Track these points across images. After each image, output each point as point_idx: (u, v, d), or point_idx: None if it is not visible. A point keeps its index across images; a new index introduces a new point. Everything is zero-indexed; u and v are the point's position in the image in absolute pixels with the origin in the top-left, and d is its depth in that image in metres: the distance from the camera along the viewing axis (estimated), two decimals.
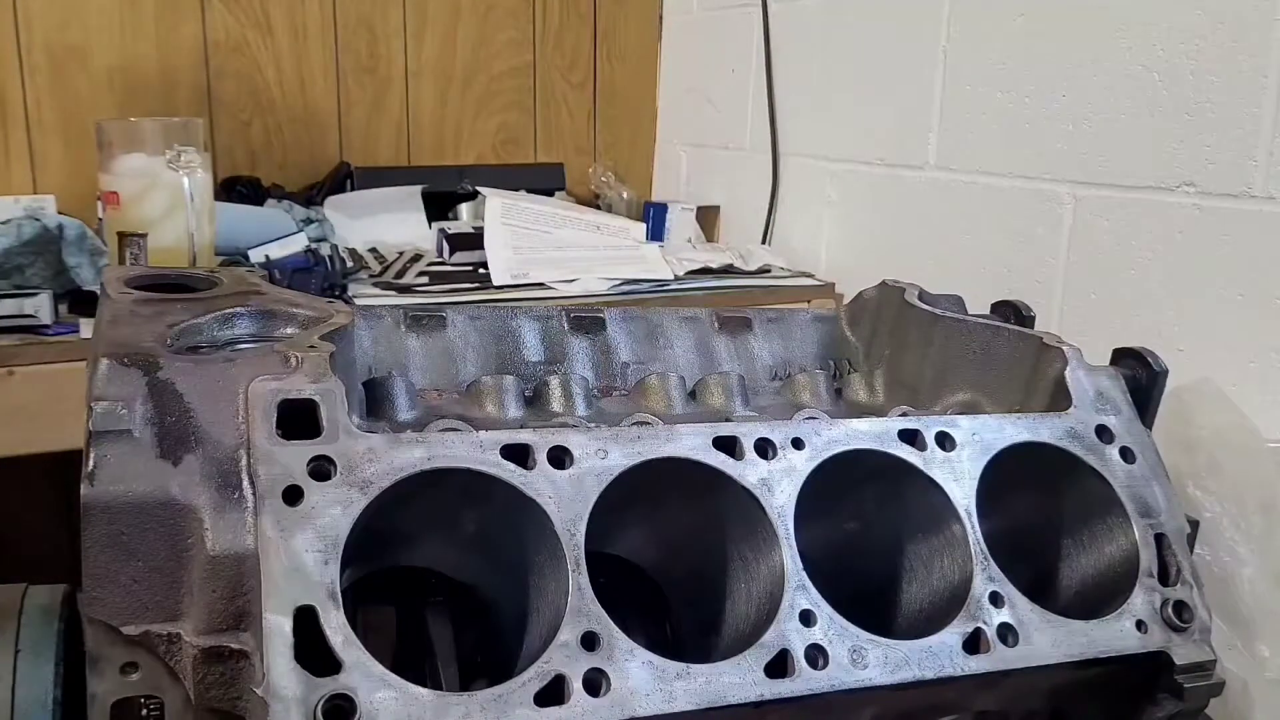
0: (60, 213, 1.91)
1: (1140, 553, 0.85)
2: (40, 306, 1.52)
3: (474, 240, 2.02)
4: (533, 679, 0.66)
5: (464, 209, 2.29)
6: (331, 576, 0.64)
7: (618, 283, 1.92)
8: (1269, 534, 1.18)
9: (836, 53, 2.12)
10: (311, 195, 2.26)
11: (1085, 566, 0.90)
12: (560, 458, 0.73)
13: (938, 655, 0.76)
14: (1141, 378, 0.96)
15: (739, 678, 0.70)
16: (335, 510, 0.66)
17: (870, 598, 0.89)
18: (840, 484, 0.86)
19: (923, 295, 1.10)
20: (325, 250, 1.90)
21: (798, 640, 0.73)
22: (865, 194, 2.07)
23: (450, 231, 2.07)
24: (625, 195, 2.48)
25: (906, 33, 1.93)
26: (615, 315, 1.08)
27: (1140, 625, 0.82)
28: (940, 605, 0.84)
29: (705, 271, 2.04)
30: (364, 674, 0.62)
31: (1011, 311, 1.10)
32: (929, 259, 1.91)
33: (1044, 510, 0.91)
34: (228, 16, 2.23)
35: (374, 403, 0.88)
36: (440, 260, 2.03)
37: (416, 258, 2.01)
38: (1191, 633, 0.84)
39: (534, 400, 0.94)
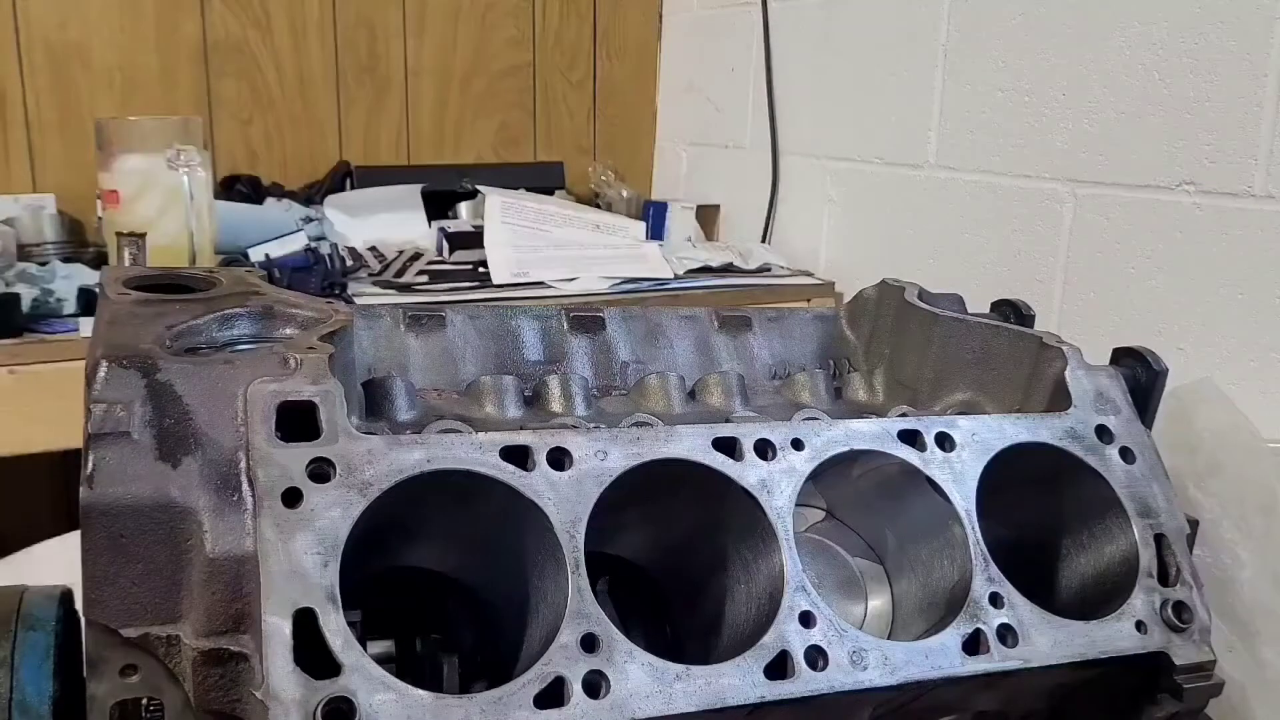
0: (60, 211, 1.91)
1: (1140, 553, 0.85)
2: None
3: (474, 239, 2.02)
4: (532, 681, 0.66)
5: (464, 208, 2.29)
6: (331, 578, 0.64)
7: (617, 281, 1.92)
8: (1269, 535, 1.18)
9: (836, 52, 2.11)
10: (311, 194, 2.26)
11: (1085, 567, 0.90)
12: (560, 459, 0.73)
13: (937, 656, 0.76)
14: (1141, 377, 0.96)
15: (738, 679, 0.70)
16: (334, 512, 0.66)
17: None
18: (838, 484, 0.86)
19: (922, 294, 1.10)
20: (325, 249, 1.90)
21: (797, 641, 0.72)
22: (865, 193, 2.06)
23: (450, 230, 2.07)
24: (625, 194, 2.47)
25: (906, 32, 1.92)
26: (615, 315, 1.07)
27: (1140, 626, 0.82)
28: (940, 606, 0.84)
29: (705, 270, 2.04)
30: (363, 676, 0.62)
31: (1011, 310, 1.10)
32: (929, 258, 1.90)
33: (1044, 511, 0.91)
34: (228, 15, 2.23)
35: (373, 403, 0.88)
36: (440, 259, 2.03)
37: (416, 256, 2.01)
38: (1191, 633, 0.84)
39: (533, 400, 0.94)
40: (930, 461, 0.83)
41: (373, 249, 2.06)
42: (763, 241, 2.30)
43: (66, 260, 1.71)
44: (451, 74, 2.47)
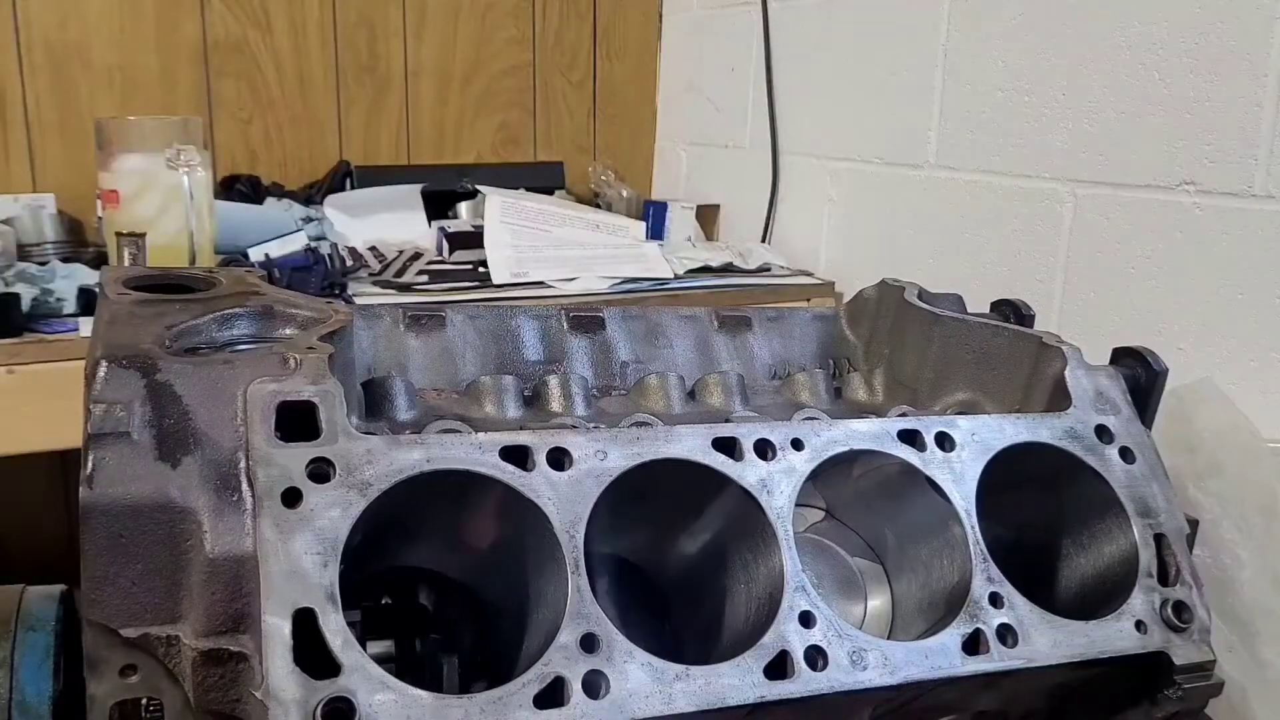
0: (60, 211, 1.91)
1: (1140, 553, 0.85)
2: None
3: (474, 239, 2.02)
4: (532, 681, 0.66)
5: (464, 207, 2.29)
6: (330, 578, 0.64)
7: (617, 281, 1.92)
8: (1269, 535, 1.18)
9: (836, 51, 2.11)
10: (311, 194, 2.26)
11: (1085, 566, 0.90)
12: (559, 459, 0.73)
13: (937, 656, 0.76)
14: (1141, 377, 0.96)
15: (738, 679, 0.70)
16: (334, 512, 0.66)
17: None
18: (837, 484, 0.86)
19: (922, 294, 1.10)
20: (325, 249, 1.90)
21: (797, 641, 0.73)
22: (865, 192, 2.06)
23: (450, 230, 2.07)
24: (625, 194, 2.47)
25: (906, 32, 1.92)
26: (614, 314, 1.08)
27: (1140, 625, 0.82)
28: (940, 606, 0.84)
29: (705, 270, 2.04)
30: (363, 676, 0.62)
31: (1011, 310, 1.10)
32: (929, 258, 1.90)
33: (1043, 511, 0.91)
34: (227, 15, 2.23)
35: (373, 403, 0.88)
36: (440, 259, 2.03)
37: (416, 256, 2.01)
38: (1191, 633, 0.84)
39: (533, 400, 0.94)
40: (930, 461, 0.83)
41: (373, 249, 2.06)
42: (763, 241, 2.30)
43: (66, 260, 1.71)
44: (451, 74, 2.47)
